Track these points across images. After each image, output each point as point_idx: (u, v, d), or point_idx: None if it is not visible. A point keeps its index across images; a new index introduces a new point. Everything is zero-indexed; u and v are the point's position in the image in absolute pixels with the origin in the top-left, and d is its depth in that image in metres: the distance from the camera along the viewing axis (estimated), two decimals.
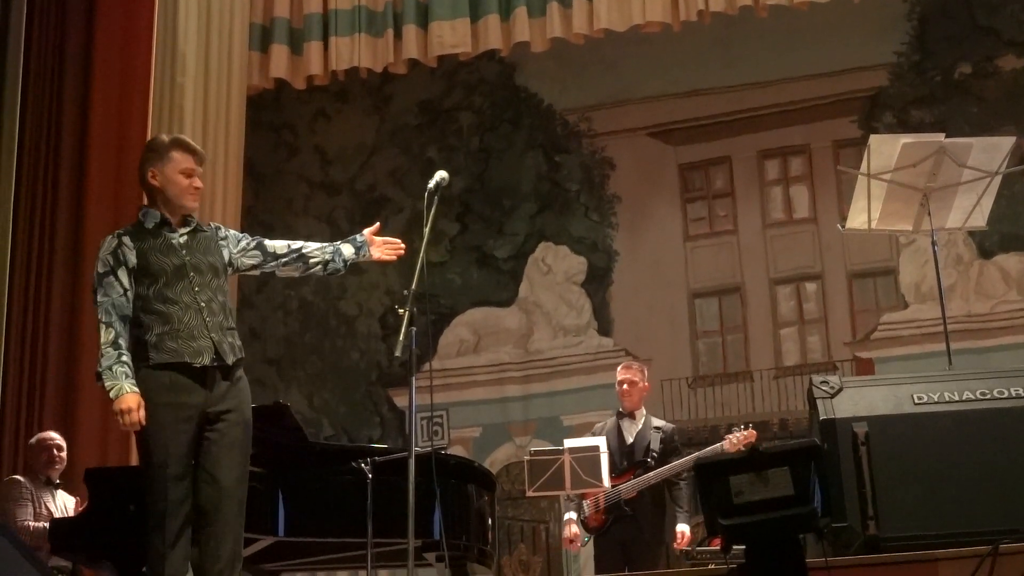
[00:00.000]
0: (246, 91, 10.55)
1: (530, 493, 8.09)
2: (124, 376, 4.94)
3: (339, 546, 6.65)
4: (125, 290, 5.10)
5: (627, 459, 8.14)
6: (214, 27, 10.22)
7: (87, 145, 9.75)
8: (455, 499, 6.66)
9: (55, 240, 9.55)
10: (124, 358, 4.99)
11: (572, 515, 8.13)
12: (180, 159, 5.29)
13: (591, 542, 8.21)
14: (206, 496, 4.94)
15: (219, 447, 4.96)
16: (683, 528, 7.92)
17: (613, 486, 8.00)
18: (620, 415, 8.33)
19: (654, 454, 8.07)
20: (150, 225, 5.27)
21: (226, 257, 5.33)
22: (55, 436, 8.07)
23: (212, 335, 5.04)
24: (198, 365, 4.98)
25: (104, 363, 4.99)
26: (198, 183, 5.35)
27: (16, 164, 9.39)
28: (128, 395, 4.90)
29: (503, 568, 11.04)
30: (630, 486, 8.00)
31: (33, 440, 8.10)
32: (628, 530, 8.01)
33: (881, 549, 5.48)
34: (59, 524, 6.80)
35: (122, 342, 5.03)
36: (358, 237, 5.71)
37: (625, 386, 8.31)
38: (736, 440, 8.02)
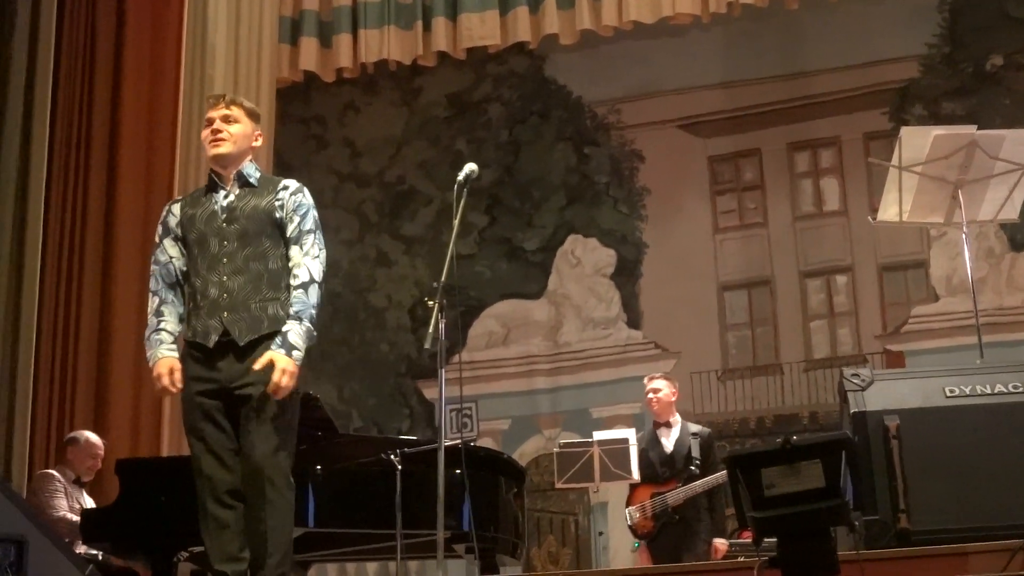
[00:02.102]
0: (275, 84, 10.57)
1: (559, 485, 8.11)
2: (159, 343, 4.86)
3: (368, 537, 6.66)
4: (171, 258, 4.99)
5: (668, 467, 8.15)
6: (244, 20, 10.25)
7: (117, 139, 9.79)
8: (484, 491, 6.67)
9: (86, 235, 9.58)
10: (164, 325, 4.90)
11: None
12: (207, 112, 5.16)
13: (642, 547, 8.22)
14: (242, 475, 4.78)
15: (247, 422, 4.75)
16: (720, 541, 7.91)
17: (659, 493, 8.01)
18: (656, 425, 8.34)
19: (696, 461, 8.06)
20: (204, 190, 5.13)
21: (278, 217, 4.98)
22: (101, 443, 8.11)
23: (224, 314, 4.80)
24: (210, 345, 4.83)
25: (146, 332, 4.94)
26: (217, 126, 5.06)
27: (47, 158, 9.42)
28: (159, 361, 4.81)
29: (532, 560, 11.03)
30: (678, 494, 7.98)
31: (81, 440, 8.09)
32: (679, 535, 8.01)
33: (912, 542, 5.47)
34: (90, 514, 6.83)
35: (165, 309, 4.94)
36: (164, 351, 4.92)
37: (651, 395, 8.34)
38: None
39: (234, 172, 5.04)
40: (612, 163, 11.99)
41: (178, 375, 4.81)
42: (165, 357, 4.81)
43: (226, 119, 5.05)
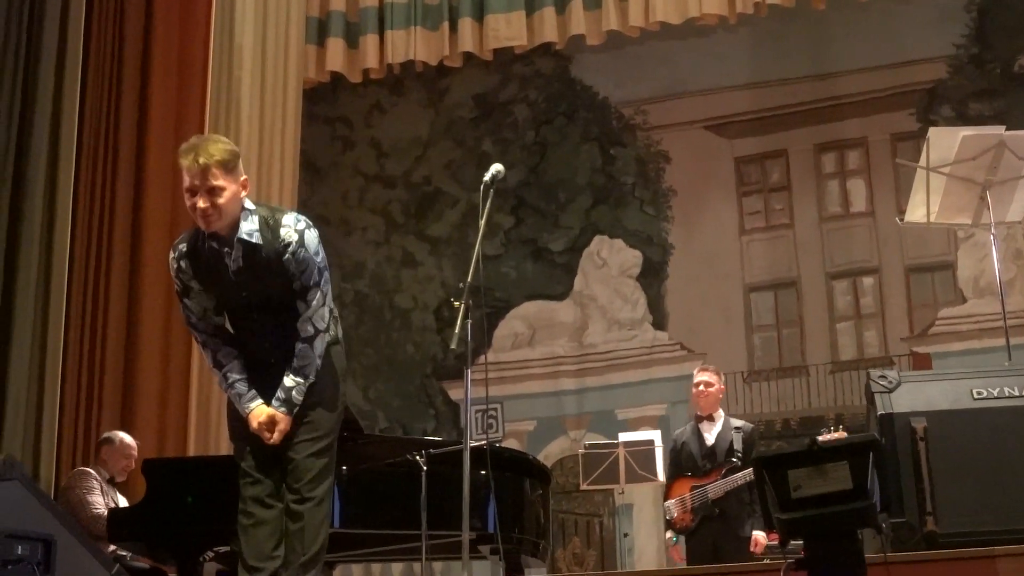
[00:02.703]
0: (302, 84, 10.61)
1: (584, 486, 8.10)
2: (239, 398, 4.87)
3: (394, 538, 6.66)
4: (205, 310, 4.93)
5: (709, 461, 8.07)
6: (271, 21, 10.28)
7: (145, 140, 9.81)
8: (509, 492, 6.66)
9: (113, 236, 9.61)
10: (231, 376, 4.89)
11: (669, 533, 8.12)
12: (184, 174, 4.77)
13: (681, 541, 8.17)
14: (286, 475, 4.85)
15: (294, 429, 4.83)
16: (759, 534, 7.87)
17: (699, 486, 7.97)
18: (699, 418, 8.26)
19: (738, 454, 7.99)
20: (204, 244, 4.88)
21: (288, 277, 4.84)
22: (135, 444, 8.13)
23: (269, 379, 4.85)
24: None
25: (220, 384, 4.97)
26: (203, 204, 4.72)
27: (75, 159, 9.45)
28: (251, 413, 4.83)
29: (557, 561, 11.03)
30: (718, 487, 7.94)
31: (116, 441, 8.11)
32: (718, 529, 7.96)
33: (939, 545, 5.45)
34: (117, 514, 6.85)
35: (224, 360, 4.91)
36: (251, 405, 4.89)
37: (701, 387, 8.23)
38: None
39: (233, 236, 4.81)
40: (638, 164, 11.97)
41: (272, 422, 4.82)
42: (253, 410, 4.83)
43: (210, 191, 4.70)
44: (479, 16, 10.72)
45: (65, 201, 9.30)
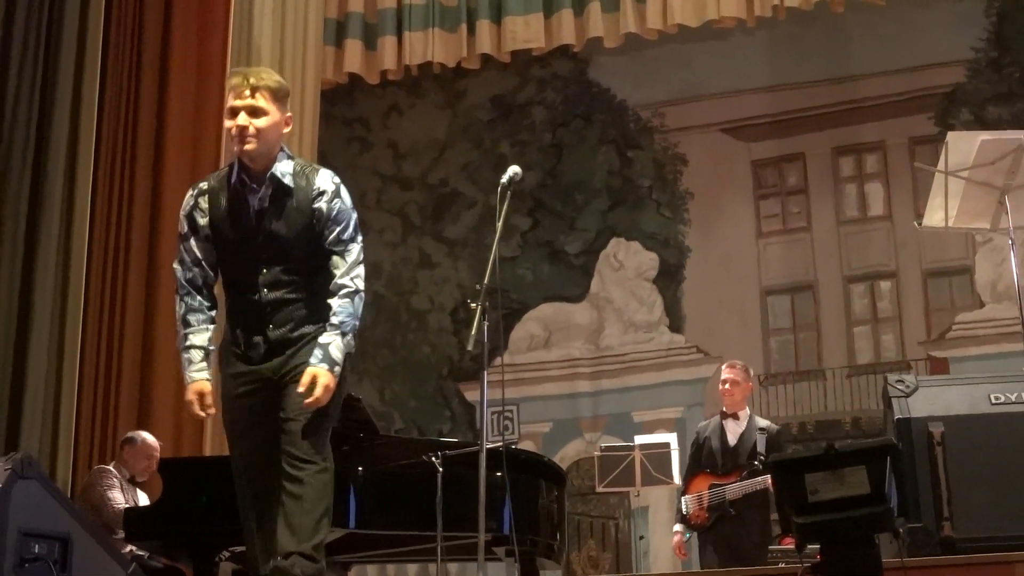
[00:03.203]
0: (320, 85, 10.61)
1: (600, 489, 8.09)
2: (189, 364, 4.60)
3: (409, 539, 6.66)
4: (199, 259, 4.68)
5: (731, 460, 8.00)
6: (289, 22, 10.29)
7: (163, 140, 9.83)
8: (525, 494, 6.65)
9: (131, 235, 9.62)
10: (193, 339, 4.64)
11: (679, 527, 8.06)
12: (229, 95, 4.64)
13: (693, 538, 8.13)
14: (283, 456, 4.54)
15: (289, 409, 4.52)
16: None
17: (717, 485, 7.94)
18: (724, 415, 8.17)
19: (761, 456, 7.90)
20: (233, 178, 4.68)
21: (316, 225, 4.61)
22: (157, 444, 8.14)
23: (267, 330, 4.58)
24: (255, 359, 4.61)
25: (177, 340, 4.70)
26: (243, 121, 4.57)
27: (94, 159, 9.47)
28: (190, 386, 4.58)
29: (572, 564, 11.03)
30: (736, 488, 7.89)
31: (138, 441, 8.13)
32: (733, 529, 7.91)
33: (957, 550, 5.43)
34: (133, 513, 6.87)
35: (192, 319, 4.66)
36: (195, 374, 4.61)
37: (728, 385, 8.13)
38: None
39: (266, 171, 4.63)
40: (655, 167, 11.97)
41: (209, 399, 4.59)
42: (195, 381, 4.58)
43: (252, 112, 4.57)
44: (497, 18, 10.73)
45: (83, 204, 9.31)
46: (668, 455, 8.00)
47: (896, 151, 11.30)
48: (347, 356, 4.59)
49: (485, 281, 5.31)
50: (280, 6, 10.29)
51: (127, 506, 7.47)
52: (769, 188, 11.71)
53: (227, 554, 6.53)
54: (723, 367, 8.30)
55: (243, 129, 4.56)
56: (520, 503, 6.48)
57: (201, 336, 4.67)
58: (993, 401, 5.76)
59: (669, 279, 11.72)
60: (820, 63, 11.43)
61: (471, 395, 11.78)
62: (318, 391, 4.43)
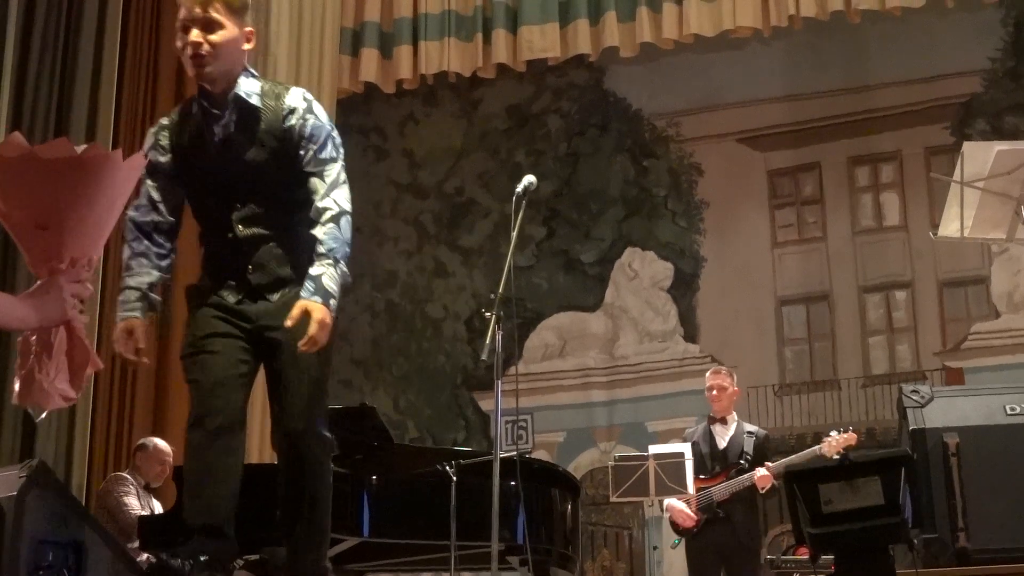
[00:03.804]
0: (336, 94, 10.64)
1: (614, 498, 8.07)
2: (122, 304, 4.18)
3: (423, 548, 6.67)
4: (156, 202, 4.25)
5: (719, 463, 8.13)
6: (305, 31, 10.32)
7: None
8: (539, 503, 6.66)
9: None
10: (129, 280, 4.20)
11: (672, 500, 8.06)
12: (180, 8, 4.14)
13: (683, 544, 8.18)
14: (277, 440, 4.23)
15: (280, 377, 4.15)
16: (762, 471, 7.87)
17: (705, 488, 7.97)
18: (711, 420, 8.34)
19: (748, 456, 8.05)
20: (195, 111, 4.21)
21: (288, 147, 4.15)
22: (170, 450, 8.16)
23: (244, 271, 4.16)
24: (232, 303, 4.19)
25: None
26: (196, 38, 4.07)
27: None
28: (117, 325, 4.15)
29: (586, 573, 11.01)
30: (723, 488, 7.97)
31: (150, 447, 8.15)
32: (722, 533, 7.97)
33: (971, 561, 5.42)
34: (147, 520, 6.88)
35: (135, 264, 4.21)
36: (125, 313, 4.17)
37: (715, 391, 8.32)
38: (835, 443, 7.99)
39: (228, 93, 4.17)
40: (671, 176, 11.95)
41: (139, 335, 4.12)
42: (124, 319, 4.13)
43: (206, 26, 4.07)
44: (513, 27, 10.75)
45: None
46: (683, 464, 7.98)
47: (912, 161, 11.27)
48: (343, 289, 4.11)
49: (500, 290, 5.32)
50: (297, 15, 10.32)
51: (143, 513, 7.49)
52: (785, 198, 11.69)
53: (241, 562, 6.54)
54: (708, 374, 8.46)
55: (197, 47, 4.08)
56: (534, 512, 6.49)
57: (140, 279, 4.21)
58: (1008, 412, 5.76)
59: (684, 288, 11.70)
60: (836, 73, 11.41)
61: (486, 404, 11.77)
62: (313, 328, 3.93)
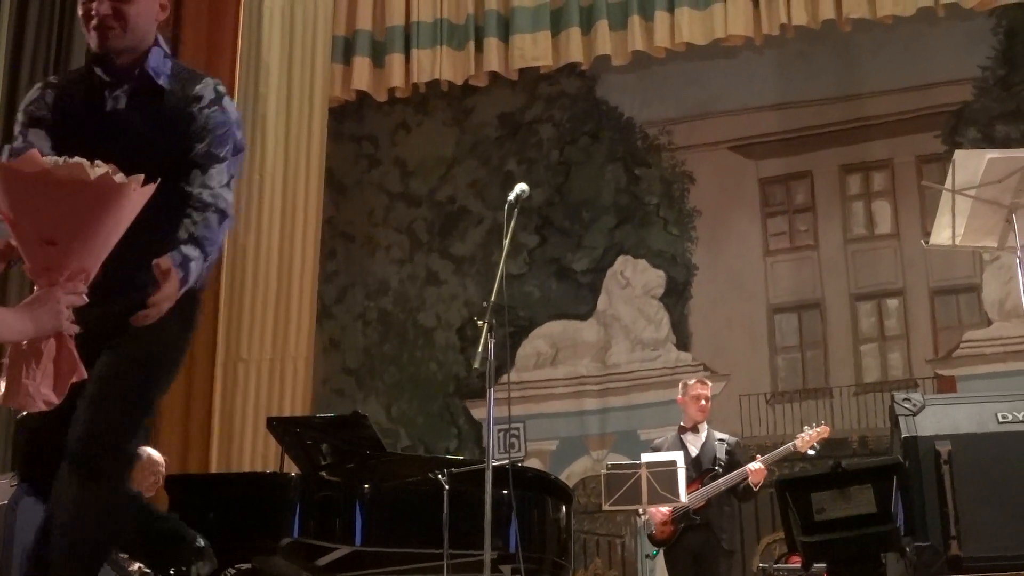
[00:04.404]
0: (328, 102, 10.64)
1: (606, 507, 8.08)
2: None
3: (415, 556, 6.66)
4: (19, 153, 3.42)
5: (694, 470, 8.19)
6: (297, 39, 10.33)
7: None
8: (531, 512, 6.66)
9: None
10: None
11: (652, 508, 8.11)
12: None
13: (661, 555, 8.23)
14: (68, 448, 3.75)
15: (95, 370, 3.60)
16: (755, 464, 7.94)
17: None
18: (682, 429, 8.41)
19: (721, 462, 8.13)
20: (89, 77, 3.78)
21: (183, 138, 3.71)
22: (162, 460, 8.14)
23: (102, 288, 3.21)
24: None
25: None
26: (103, 6, 3.64)
27: None
28: None
29: None
30: (698, 495, 8.01)
31: (143, 457, 8.13)
32: (700, 539, 8.01)
33: (964, 570, 5.41)
34: None
35: None
36: None
37: (704, 401, 8.37)
38: (808, 438, 8.06)
39: (133, 67, 3.73)
40: (663, 184, 11.96)
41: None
42: None
43: None
44: (505, 36, 10.76)
45: None
46: (675, 473, 7.98)
47: (904, 169, 11.28)
48: (199, 294, 3.73)
49: (492, 298, 5.33)
50: (288, 24, 10.33)
51: None
52: (776, 206, 11.70)
53: (233, 571, 6.53)
54: (695, 383, 8.57)
55: (104, 19, 3.66)
56: (526, 521, 6.49)
57: None
58: (1000, 420, 5.75)
59: (676, 297, 11.70)
60: (828, 81, 11.42)
61: (478, 412, 11.76)
62: (168, 287, 3.41)
